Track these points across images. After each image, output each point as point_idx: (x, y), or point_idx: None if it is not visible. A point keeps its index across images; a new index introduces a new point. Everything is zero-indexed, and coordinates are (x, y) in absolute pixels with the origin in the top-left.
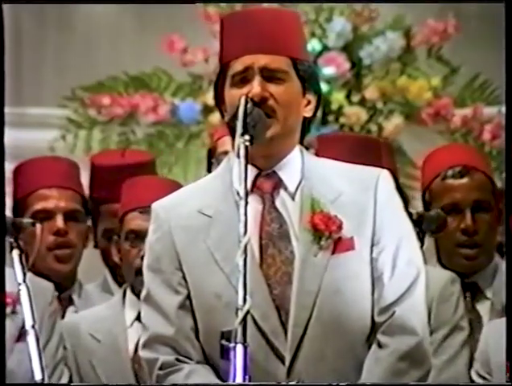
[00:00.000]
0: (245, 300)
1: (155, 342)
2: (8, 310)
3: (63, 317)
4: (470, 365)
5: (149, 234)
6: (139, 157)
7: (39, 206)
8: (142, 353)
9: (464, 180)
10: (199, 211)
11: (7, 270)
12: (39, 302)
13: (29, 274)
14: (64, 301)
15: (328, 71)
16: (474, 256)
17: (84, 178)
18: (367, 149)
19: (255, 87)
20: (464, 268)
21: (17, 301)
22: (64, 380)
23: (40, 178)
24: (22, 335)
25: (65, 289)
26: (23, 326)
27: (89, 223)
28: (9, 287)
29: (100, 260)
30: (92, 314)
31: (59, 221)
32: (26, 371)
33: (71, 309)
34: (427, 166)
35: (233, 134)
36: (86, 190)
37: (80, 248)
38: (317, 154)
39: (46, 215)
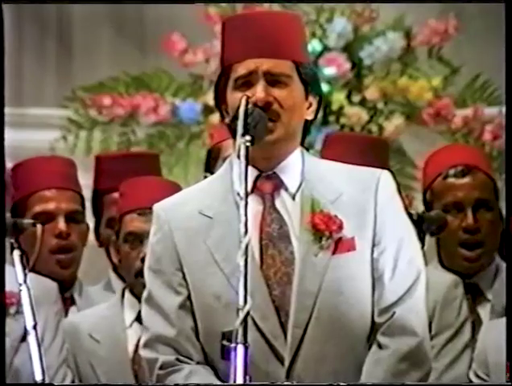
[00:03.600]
0: (245, 300)
1: (156, 342)
2: (12, 310)
3: (66, 316)
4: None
5: (150, 235)
6: (143, 151)
7: (39, 208)
8: (142, 353)
9: (466, 179)
10: (199, 212)
11: (8, 269)
12: (43, 301)
13: (32, 273)
14: (67, 300)
15: (328, 71)
16: (475, 258)
17: (85, 178)
18: (374, 150)
19: (259, 92)
20: (464, 269)
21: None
22: (68, 381)
23: (39, 179)
24: (26, 335)
25: (67, 288)
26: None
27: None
28: (9, 286)
29: (103, 259)
30: (91, 314)
31: (61, 223)
32: (31, 371)
33: (73, 309)
34: (429, 165)
35: (234, 136)
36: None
37: (81, 250)
38: (323, 153)
39: (47, 217)
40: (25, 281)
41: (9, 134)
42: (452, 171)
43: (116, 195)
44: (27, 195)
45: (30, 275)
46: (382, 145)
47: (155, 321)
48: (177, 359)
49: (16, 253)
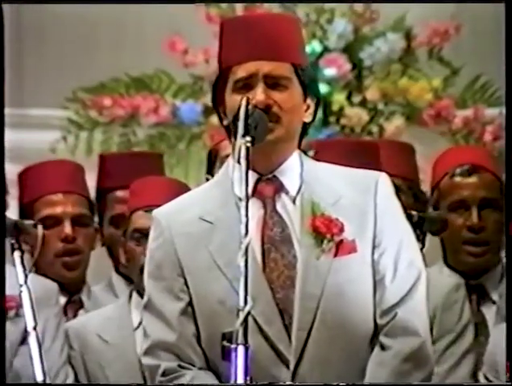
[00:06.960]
0: (246, 301)
1: (157, 348)
2: (11, 313)
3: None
4: (474, 371)
5: (149, 241)
6: (147, 150)
7: (46, 212)
8: (144, 360)
9: (472, 178)
10: (200, 218)
11: (9, 270)
12: (43, 303)
13: (32, 274)
14: (75, 303)
15: (328, 72)
16: (480, 254)
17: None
18: (365, 154)
19: (259, 94)
20: (470, 266)
21: (20, 304)
22: (70, 381)
23: (46, 184)
24: (25, 338)
25: (75, 292)
26: (26, 329)
27: (96, 219)
28: (10, 289)
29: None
30: (99, 315)
31: (67, 227)
32: (32, 373)
33: (82, 312)
34: (437, 165)
35: (231, 138)
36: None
37: (87, 253)
38: (316, 158)
39: (53, 221)
40: (25, 282)
41: (9, 135)
42: (458, 170)
43: (119, 193)
44: (34, 199)
45: (31, 276)
46: (372, 148)
47: (156, 327)
48: (179, 366)
49: (17, 254)
